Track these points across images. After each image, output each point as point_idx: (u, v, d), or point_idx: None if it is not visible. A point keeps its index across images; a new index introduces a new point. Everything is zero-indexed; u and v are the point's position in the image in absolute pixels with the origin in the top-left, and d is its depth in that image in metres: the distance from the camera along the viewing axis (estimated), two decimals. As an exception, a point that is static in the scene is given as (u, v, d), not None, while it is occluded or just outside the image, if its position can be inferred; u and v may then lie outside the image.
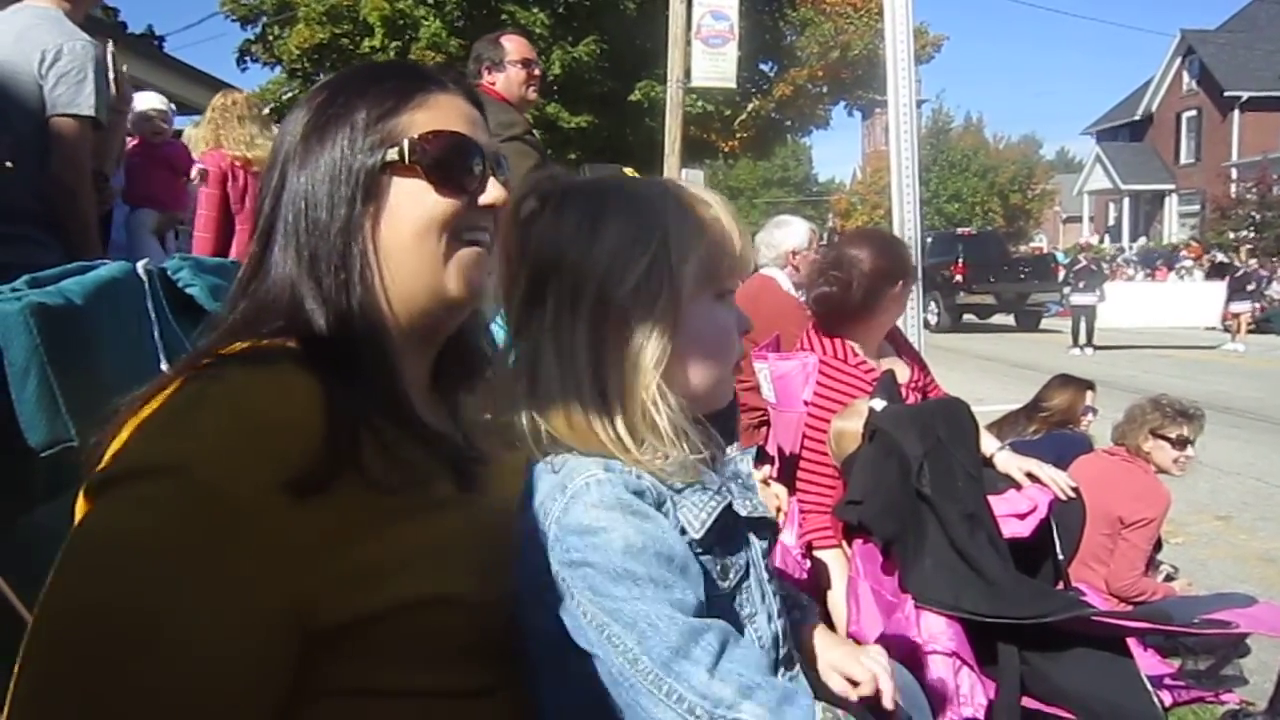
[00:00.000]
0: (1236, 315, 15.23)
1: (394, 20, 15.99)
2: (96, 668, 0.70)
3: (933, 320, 17.27)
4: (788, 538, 2.35)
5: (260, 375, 0.82)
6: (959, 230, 24.85)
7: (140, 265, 1.36)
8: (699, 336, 0.91)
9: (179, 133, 4.55)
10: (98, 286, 1.24)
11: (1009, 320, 18.63)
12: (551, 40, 15.31)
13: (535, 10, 15.69)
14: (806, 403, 2.43)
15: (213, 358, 0.84)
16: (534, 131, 3.71)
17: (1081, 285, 14.42)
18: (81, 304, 1.19)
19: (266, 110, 4.67)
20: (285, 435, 0.78)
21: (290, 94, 17.11)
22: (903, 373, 2.49)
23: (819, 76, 18.57)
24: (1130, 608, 3.05)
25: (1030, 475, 2.36)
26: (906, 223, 3.93)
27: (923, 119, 32.13)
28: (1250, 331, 15.54)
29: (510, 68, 3.47)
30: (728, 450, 1.01)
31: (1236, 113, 31.40)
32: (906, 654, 1.82)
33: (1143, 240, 32.48)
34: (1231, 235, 26.53)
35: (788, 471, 2.47)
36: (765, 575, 0.98)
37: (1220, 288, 16.68)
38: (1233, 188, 29.05)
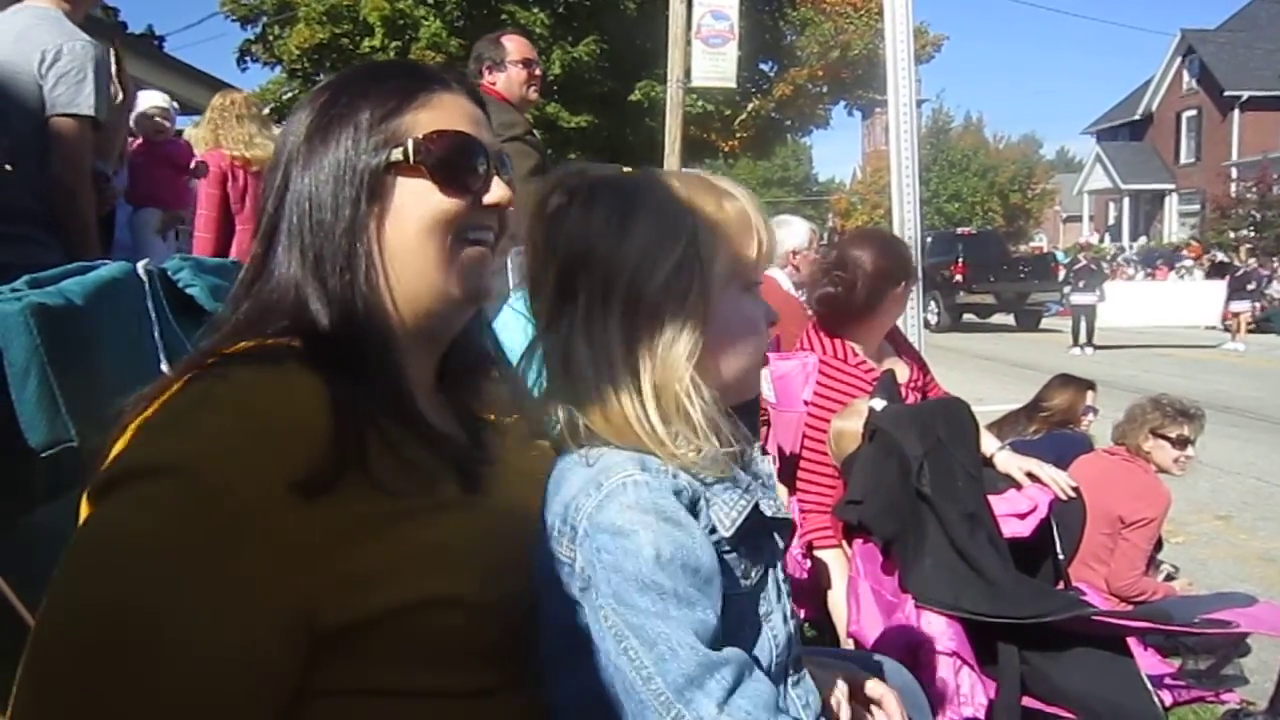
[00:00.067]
0: (1236, 315, 15.23)
1: (394, 20, 16.00)
2: (97, 667, 0.70)
3: (933, 320, 17.27)
4: (788, 537, 2.35)
5: (265, 375, 0.82)
6: (959, 230, 24.87)
7: (140, 265, 1.36)
8: (729, 329, 0.92)
9: (180, 132, 4.54)
10: (98, 287, 1.24)
11: (1009, 320, 18.62)
12: (551, 40, 15.32)
13: (535, 10, 15.69)
14: (806, 402, 2.44)
15: (217, 357, 0.84)
16: (534, 132, 3.72)
17: (1081, 285, 14.42)
18: (82, 304, 1.19)
19: (266, 110, 4.67)
20: (290, 436, 0.78)
21: (290, 94, 17.12)
22: (902, 372, 2.49)
23: (819, 76, 18.58)
24: (1131, 607, 3.05)
25: (1030, 475, 2.36)
26: (906, 222, 3.93)
27: (923, 119, 32.13)
28: (1250, 331, 15.54)
29: (511, 67, 3.47)
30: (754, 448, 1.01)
31: (1236, 112, 31.39)
32: (906, 654, 1.82)
33: (1143, 240, 32.49)
34: (1231, 235, 26.54)
35: (788, 471, 2.47)
36: (782, 576, 0.98)
37: (1220, 287, 16.68)
38: (1233, 187, 29.06)
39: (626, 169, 1.00)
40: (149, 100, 3.91)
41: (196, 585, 0.72)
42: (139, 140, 3.94)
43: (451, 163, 0.93)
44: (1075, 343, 14.12)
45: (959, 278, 17.93)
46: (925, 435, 2.02)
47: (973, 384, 8.21)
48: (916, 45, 4.35)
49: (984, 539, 1.97)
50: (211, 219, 4.02)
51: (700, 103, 15.56)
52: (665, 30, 9.13)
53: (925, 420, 2.08)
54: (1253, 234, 26.20)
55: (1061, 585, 2.35)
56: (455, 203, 0.93)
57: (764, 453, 1.03)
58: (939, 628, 1.88)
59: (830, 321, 2.51)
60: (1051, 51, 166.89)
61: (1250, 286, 16.48)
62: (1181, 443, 3.27)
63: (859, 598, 2.07)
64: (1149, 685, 2.00)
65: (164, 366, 1.28)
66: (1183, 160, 34.10)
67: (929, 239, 18.63)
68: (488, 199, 0.96)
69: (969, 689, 1.83)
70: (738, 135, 18.33)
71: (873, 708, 1.15)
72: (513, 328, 1.57)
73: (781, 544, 0.99)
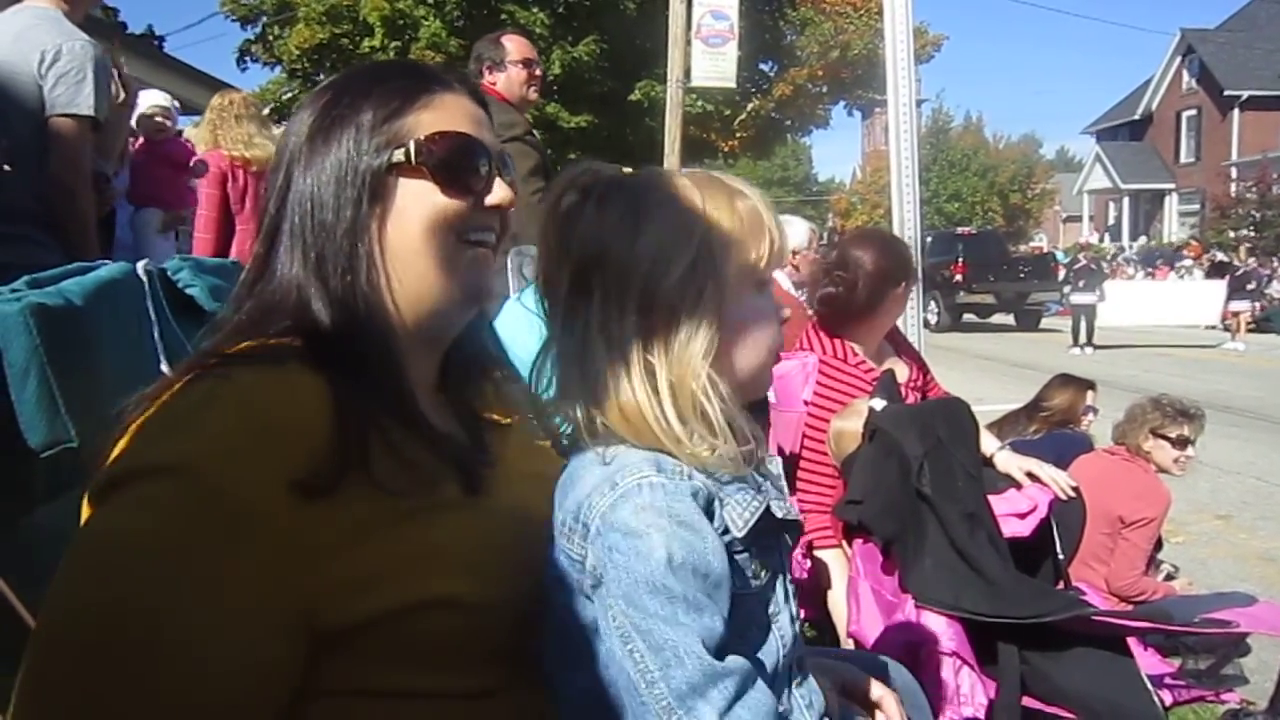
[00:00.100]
0: (1236, 314, 15.23)
1: (394, 20, 16.00)
2: (98, 668, 0.70)
3: (933, 320, 17.26)
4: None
5: (268, 375, 0.82)
6: (959, 230, 24.85)
7: (140, 266, 1.36)
8: (742, 326, 0.92)
9: (180, 132, 4.54)
10: (97, 287, 1.24)
11: (1009, 320, 18.62)
12: (551, 40, 15.31)
13: (535, 10, 15.69)
14: (806, 402, 2.44)
15: (219, 357, 0.84)
16: (534, 132, 3.72)
17: (1081, 284, 14.42)
18: (81, 305, 1.19)
19: (266, 111, 4.67)
20: (293, 436, 0.78)
21: (290, 94, 17.12)
22: (902, 372, 2.49)
23: (819, 76, 18.59)
24: (1131, 607, 3.05)
25: (1030, 475, 2.36)
26: (906, 222, 3.94)
27: (922, 118, 32.12)
28: (1250, 330, 15.54)
29: (511, 67, 3.47)
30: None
31: (1236, 112, 31.40)
32: (906, 654, 1.82)
33: (1143, 239, 32.49)
34: (1231, 234, 26.54)
35: (787, 471, 2.46)
36: (788, 577, 0.99)
37: (1220, 287, 16.68)
38: (1232, 187, 29.06)
39: (627, 169, 1.00)
40: (150, 99, 3.90)
41: (197, 586, 0.72)
42: (140, 140, 3.93)
43: (453, 164, 0.92)
44: (1075, 342, 14.12)
45: (959, 277, 17.93)
46: (925, 435, 2.02)
47: (973, 384, 8.21)
48: (916, 45, 4.35)
49: (984, 539, 1.97)
50: (211, 219, 4.02)
51: (700, 102, 15.56)
52: (665, 30, 9.13)
53: (925, 420, 2.08)
54: (1252, 233, 26.20)
55: (1061, 585, 2.35)
56: (457, 204, 0.93)
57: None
58: (939, 628, 1.88)
59: (830, 321, 2.51)
60: (1051, 51, 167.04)
61: (1250, 286, 16.48)
62: (1181, 443, 3.27)
63: (859, 598, 2.07)
64: (1149, 685, 2.00)
65: (164, 367, 1.28)
66: (1182, 160, 34.10)
67: (929, 239, 18.62)
68: (489, 200, 0.96)
69: (969, 689, 1.83)
70: (737, 135, 18.33)
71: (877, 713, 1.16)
72: (521, 324, 1.57)
73: (788, 545, 0.99)
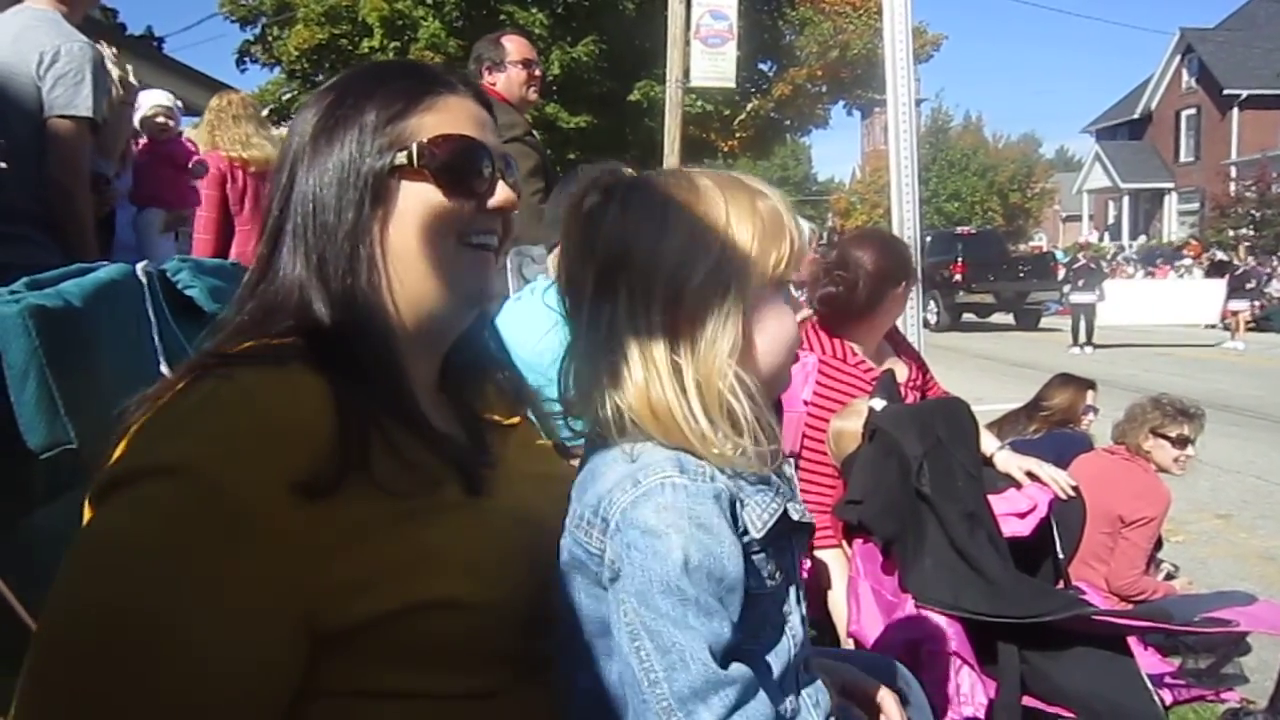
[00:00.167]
0: (1235, 313, 15.22)
1: (393, 21, 16.01)
2: (99, 668, 0.70)
3: (932, 319, 17.27)
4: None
5: (269, 376, 0.82)
6: (958, 229, 24.85)
7: (140, 267, 1.36)
8: (764, 326, 0.93)
9: (181, 131, 4.53)
10: (97, 288, 1.24)
11: (1008, 319, 18.62)
12: (550, 40, 15.32)
13: (534, 10, 15.70)
14: (806, 402, 2.43)
15: (221, 357, 0.84)
16: (534, 132, 3.71)
17: (1081, 284, 14.42)
18: (80, 306, 1.19)
19: (265, 111, 4.66)
20: (294, 437, 0.78)
21: (290, 94, 17.13)
22: (901, 372, 2.49)
23: (818, 76, 18.60)
24: (1131, 606, 3.05)
25: (1030, 474, 2.36)
26: (906, 222, 3.93)
27: (922, 118, 32.16)
28: (1250, 329, 15.54)
29: (511, 68, 3.46)
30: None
31: (1235, 111, 31.42)
32: (906, 654, 1.82)
33: (1142, 239, 32.50)
34: (1231, 233, 26.54)
35: (787, 471, 2.47)
36: (799, 578, 1.00)
37: (1220, 286, 16.68)
38: (1232, 186, 29.07)
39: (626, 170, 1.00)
40: (152, 99, 3.89)
41: (198, 586, 0.72)
42: (144, 140, 3.93)
43: (456, 167, 0.92)
44: (1075, 342, 14.11)
45: (958, 277, 17.93)
46: (925, 435, 2.02)
47: (972, 383, 8.21)
48: (915, 45, 4.35)
49: (984, 538, 1.97)
50: (211, 220, 4.01)
51: (699, 103, 15.57)
52: (664, 30, 9.13)
53: (925, 420, 2.08)
54: (1252, 232, 26.21)
55: (1061, 584, 2.35)
56: (459, 206, 0.93)
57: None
58: (939, 627, 1.88)
59: (830, 321, 2.51)
60: (1050, 50, 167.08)
61: (1249, 285, 16.48)
62: (1181, 442, 3.27)
63: (859, 597, 2.07)
64: (1149, 684, 1.99)
65: (163, 368, 1.28)
66: (1182, 159, 34.11)
67: (928, 238, 18.64)
68: (492, 202, 0.96)
69: (969, 688, 1.83)
70: (737, 135, 18.34)
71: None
72: (541, 320, 1.58)
73: (801, 547, 1.00)
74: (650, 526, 0.83)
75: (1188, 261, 22.73)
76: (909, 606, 1.94)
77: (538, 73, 3.58)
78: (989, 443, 2.45)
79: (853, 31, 17.87)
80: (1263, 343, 14.90)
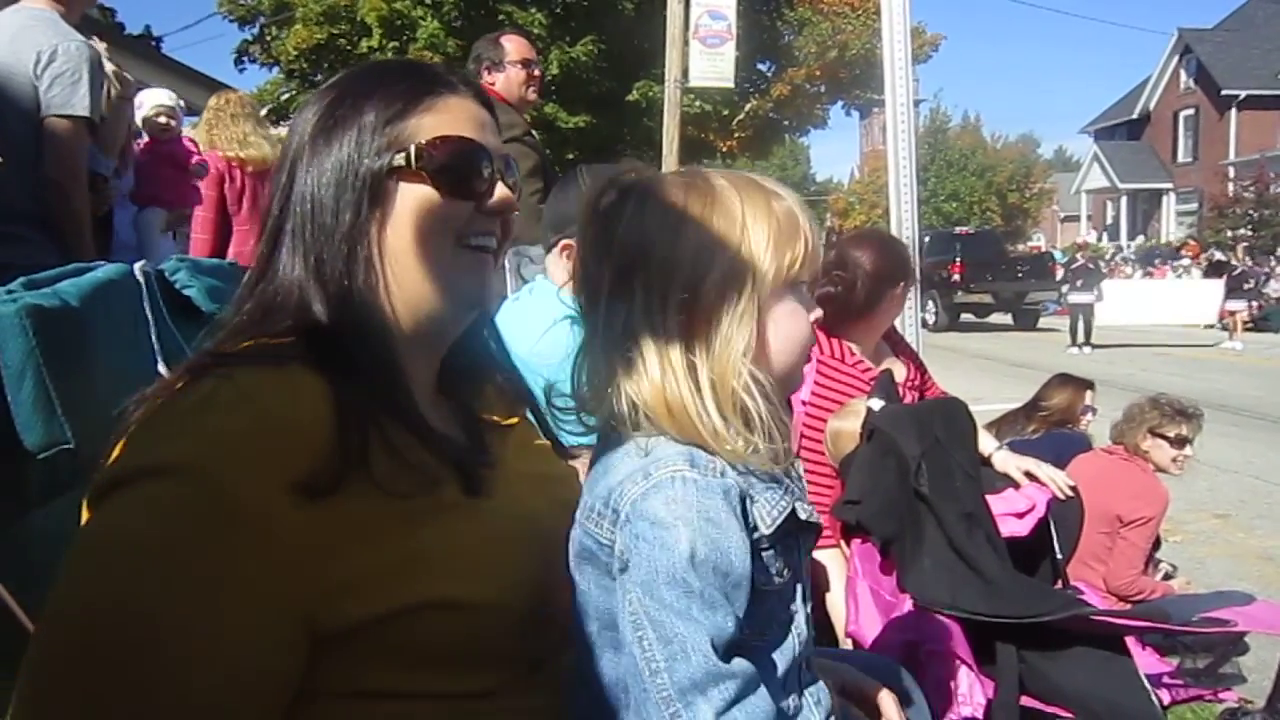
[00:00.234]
0: (1233, 313, 15.24)
1: (391, 21, 16.00)
2: (97, 668, 0.70)
3: (930, 319, 17.27)
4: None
5: (269, 376, 0.82)
6: (957, 229, 24.85)
7: (137, 267, 1.36)
8: (778, 325, 0.94)
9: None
10: (94, 288, 1.23)
11: (1007, 319, 18.63)
12: (549, 40, 15.31)
13: (533, 10, 15.70)
14: (804, 403, 2.43)
15: (221, 357, 0.84)
16: (533, 132, 3.71)
17: (1079, 284, 14.43)
18: (77, 306, 1.19)
19: (264, 111, 4.65)
20: (294, 437, 0.78)
21: (288, 94, 17.12)
22: (900, 372, 2.49)
23: (816, 76, 18.62)
24: (1129, 606, 3.05)
25: (1028, 474, 2.36)
26: (904, 222, 3.93)
27: (920, 118, 32.17)
28: (1248, 329, 15.55)
29: (510, 68, 3.46)
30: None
31: (1234, 111, 31.44)
32: (905, 653, 1.82)
33: (1140, 239, 32.52)
34: (1229, 233, 26.57)
35: (786, 472, 2.47)
36: (805, 578, 1.01)
37: (1218, 286, 16.69)
38: (1230, 186, 29.10)
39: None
40: (154, 99, 3.88)
41: (197, 586, 0.72)
42: (145, 140, 3.93)
43: (454, 169, 0.92)
44: (1073, 342, 14.12)
45: (957, 277, 17.94)
46: (923, 435, 2.02)
47: (971, 383, 8.22)
48: (914, 45, 4.35)
49: (982, 538, 1.97)
50: (208, 220, 4.01)
51: (698, 103, 15.58)
52: (663, 30, 9.14)
53: (923, 420, 2.08)
54: (1250, 233, 26.23)
55: (1060, 584, 2.35)
56: (457, 209, 0.93)
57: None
58: (937, 627, 1.88)
59: (828, 321, 2.50)
60: (1049, 51, 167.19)
61: (1247, 285, 16.49)
62: (1180, 442, 3.27)
63: (857, 598, 2.07)
64: (1147, 684, 1.99)
65: (161, 368, 1.28)
66: (1180, 159, 34.14)
67: (927, 238, 18.62)
68: (490, 204, 0.95)
69: (967, 688, 1.83)
70: (735, 135, 18.36)
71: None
72: (539, 320, 1.58)
73: (807, 546, 1.01)
74: (659, 518, 0.84)
75: (1186, 262, 22.76)
76: (907, 606, 1.94)
77: (537, 73, 3.58)
78: (987, 443, 2.45)
79: (851, 32, 17.90)
80: (1261, 342, 14.91)
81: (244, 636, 0.73)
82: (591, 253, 0.94)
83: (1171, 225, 33.92)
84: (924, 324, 4.90)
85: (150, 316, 1.32)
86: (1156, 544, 3.36)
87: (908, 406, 2.28)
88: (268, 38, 18.27)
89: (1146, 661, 2.56)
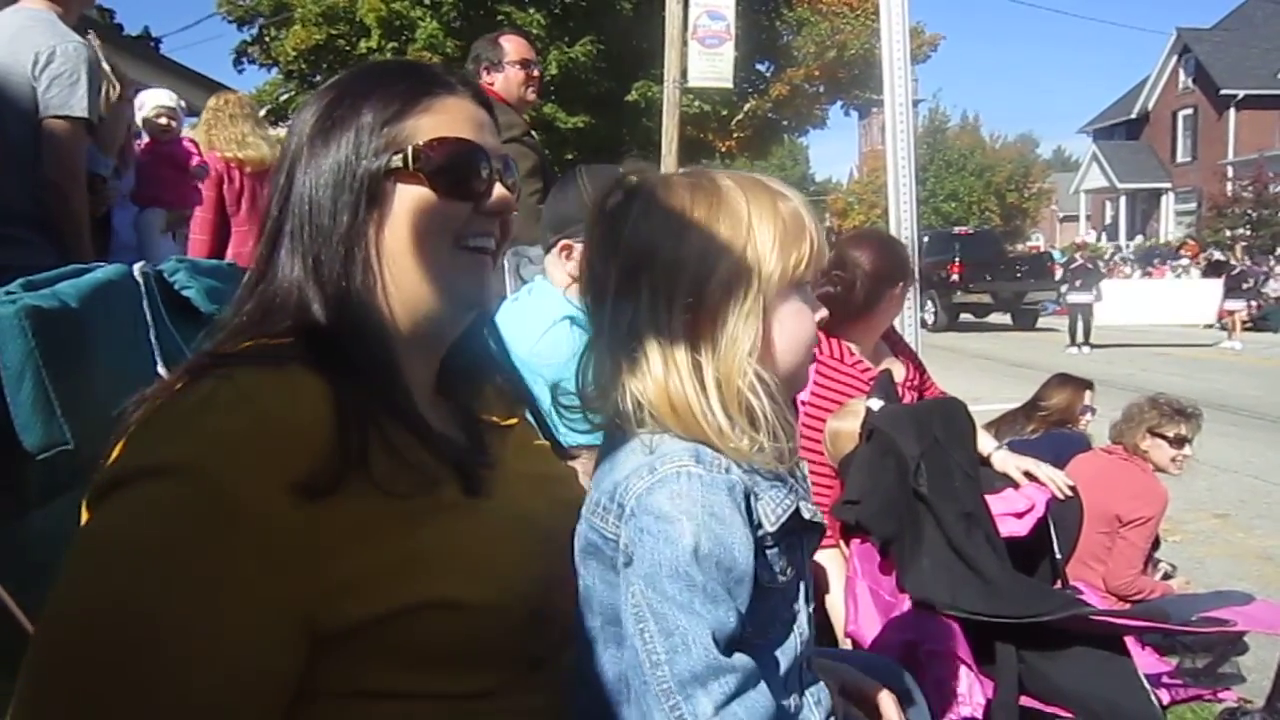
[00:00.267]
0: (1231, 313, 15.24)
1: (390, 21, 15.99)
2: (97, 668, 0.70)
3: (929, 319, 17.28)
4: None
5: (269, 376, 0.82)
6: (956, 229, 24.85)
7: (136, 268, 1.36)
8: (784, 326, 0.95)
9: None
10: (93, 289, 1.23)
11: (1006, 319, 18.63)
12: (548, 41, 15.31)
13: (532, 11, 15.71)
14: (803, 402, 2.43)
15: (221, 357, 0.84)
16: (533, 133, 3.71)
17: (1078, 284, 14.43)
18: (77, 307, 1.19)
19: (263, 112, 4.65)
20: (294, 437, 0.78)
21: (287, 95, 17.13)
22: (899, 372, 2.49)
23: (815, 76, 18.63)
24: (1128, 606, 3.05)
25: (1028, 474, 2.36)
26: (903, 222, 3.94)
27: (919, 118, 32.16)
28: (1247, 329, 15.56)
29: (509, 68, 3.46)
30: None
31: (1232, 111, 31.46)
32: (904, 653, 1.82)
33: (1139, 238, 32.54)
34: (1228, 233, 26.59)
35: (786, 472, 2.47)
36: (808, 578, 1.01)
37: (1217, 285, 16.70)
38: (1229, 185, 29.12)
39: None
40: (155, 100, 3.88)
41: (197, 586, 0.72)
42: (146, 141, 3.93)
43: (451, 170, 0.92)
44: (1072, 342, 14.13)
45: (956, 277, 17.94)
46: (922, 435, 2.02)
47: (970, 383, 8.22)
48: (912, 45, 4.35)
49: (981, 538, 1.97)
50: (207, 221, 4.02)
51: (697, 103, 15.59)
52: (662, 31, 9.14)
53: (922, 420, 2.08)
54: (1248, 232, 26.25)
55: (1059, 584, 2.35)
56: (454, 210, 0.93)
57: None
58: (936, 627, 1.88)
59: (827, 321, 2.51)
60: (1048, 51, 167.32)
61: (1246, 285, 16.50)
62: (1179, 442, 3.27)
63: (857, 598, 2.07)
64: (1146, 684, 1.99)
65: (160, 369, 1.27)
66: (1179, 159, 34.16)
67: (926, 238, 18.61)
68: (488, 205, 0.95)
69: (967, 688, 1.83)
70: (734, 135, 18.37)
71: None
72: (538, 321, 1.58)
73: (811, 546, 1.02)
74: (664, 512, 0.84)
75: (1185, 261, 22.76)
76: (906, 606, 1.94)
77: (536, 73, 3.58)
78: (986, 443, 2.45)
79: (850, 32, 17.91)
80: (1260, 342, 14.92)
81: (244, 636, 0.73)
82: (598, 253, 0.94)
83: (1170, 225, 33.93)
84: (923, 324, 4.91)
85: (149, 317, 1.32)
86: (1156, 544, 3.36)
87: (907, 406, 2.28)
88: (266, 38, 18.27)
89: (1146, 661, 2.56)
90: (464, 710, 0.85)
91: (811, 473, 2.38)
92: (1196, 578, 3.76)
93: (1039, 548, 2.24)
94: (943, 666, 1.84)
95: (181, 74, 9.52)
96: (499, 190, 0.96)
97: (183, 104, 4.06)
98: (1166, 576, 3.45)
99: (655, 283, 0.90)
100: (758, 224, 0.92)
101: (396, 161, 0.90)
